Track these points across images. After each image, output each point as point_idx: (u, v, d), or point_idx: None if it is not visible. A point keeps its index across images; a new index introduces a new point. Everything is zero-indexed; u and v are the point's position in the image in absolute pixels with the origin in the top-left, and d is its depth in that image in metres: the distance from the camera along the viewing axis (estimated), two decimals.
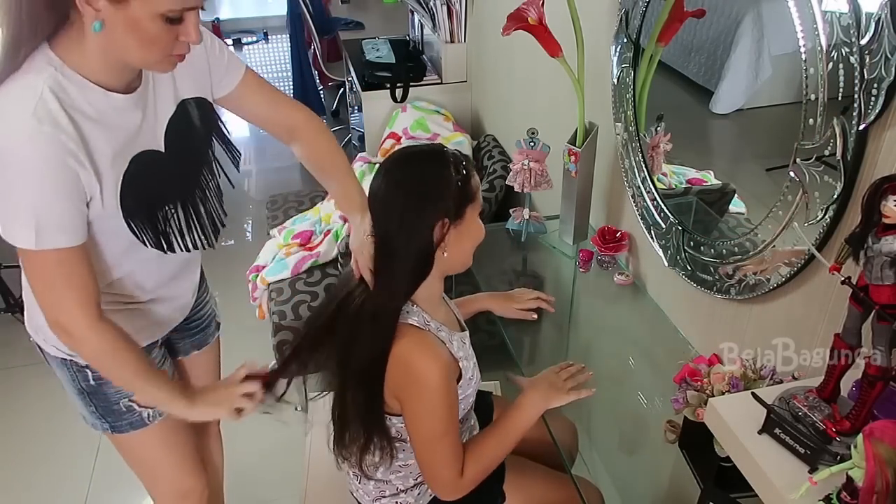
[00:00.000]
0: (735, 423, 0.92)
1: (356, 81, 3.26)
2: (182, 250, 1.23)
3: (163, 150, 1.16)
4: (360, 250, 1.23)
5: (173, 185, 1.20)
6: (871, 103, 0.93)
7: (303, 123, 1.36)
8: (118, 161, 1.08)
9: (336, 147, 1.39)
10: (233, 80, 1.27)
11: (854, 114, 0.96)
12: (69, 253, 1.04)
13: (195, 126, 1.21)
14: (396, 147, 2.85)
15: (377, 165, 2.77)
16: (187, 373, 1.53)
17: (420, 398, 1.16)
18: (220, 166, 1.31)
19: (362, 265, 1.21)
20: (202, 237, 1.27)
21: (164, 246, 1.20)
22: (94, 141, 1.03)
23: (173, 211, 1.20)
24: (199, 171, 1.25)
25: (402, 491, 1.34)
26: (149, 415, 1.34)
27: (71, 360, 1.26)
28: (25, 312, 1.30)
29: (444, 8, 2.93)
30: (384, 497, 1.36)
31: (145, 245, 1.16)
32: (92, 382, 1.28)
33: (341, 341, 1.22)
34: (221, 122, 1.28)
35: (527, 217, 1.88)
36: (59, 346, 1.25)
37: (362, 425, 1.23)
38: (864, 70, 0.93)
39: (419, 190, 1.12)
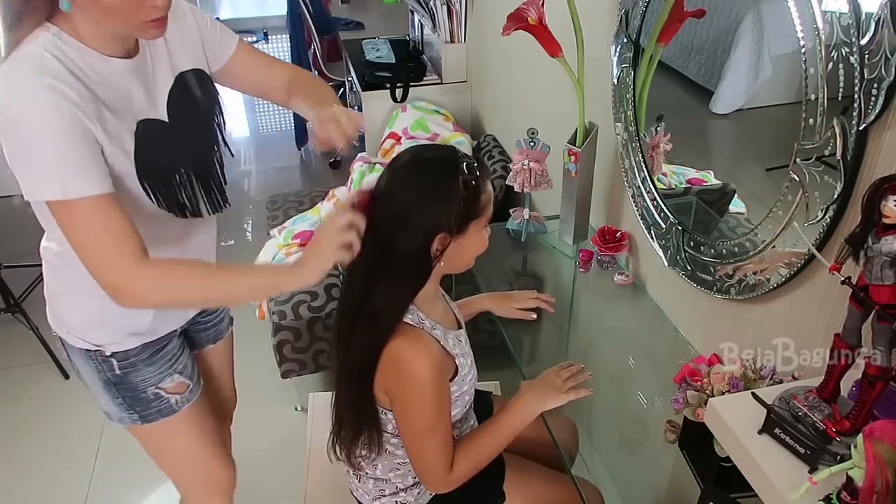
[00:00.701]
0: (735, 423, 0.92)
1: (356, 81, 3.26)
2: (193, 216, 1.25)
3: (166, 120, 1.17)
4: (321, 120, 1.17)
5: (182, 153, 1.21)
6: (871, 103, 0.93)
7: (294, 75, 1.38)
8: (125, 122, 1.09)
9: (322, 84, 1.40)
10: (226, 51, 1.30)
11: (854, 114, 0.96)
12: (98, 201, 1.02)
13: (197, 97, 1.23)
14: (396, 147, 2.86)
15: (376, 165, 2.79)
16: (201, 365, 1.54)
17: (410, 393, 1.17)
18: (223, 129, 1.32)
19: (337, 133, 1.15)
20: (209, 204, 1.29)
21: (179, 210, 1.21)
22: (98, 98, 1.05)
23: (186, 178, 1.21)
24: (207, 140, 1.27)
25: (402, 490, 1.34)
26: (176, 401, 1.35)
27: (96, 351, 1.27)
28: (47, 304, 1.30)
29: (444, 8, 2.93)
30: (384, 496, 1.36)
31: (159, 206, 1.16)
32: (118, 372, 1.29)
33: (341, 336, 1.22)
34: (219, 94, 1.30)
35: (527, 217, 1.88)
36: (83, 338, 1.26)
37: (353, 418, 1.25)
38: (864, 70, 0.93)
39: (424, 201, 1.11)
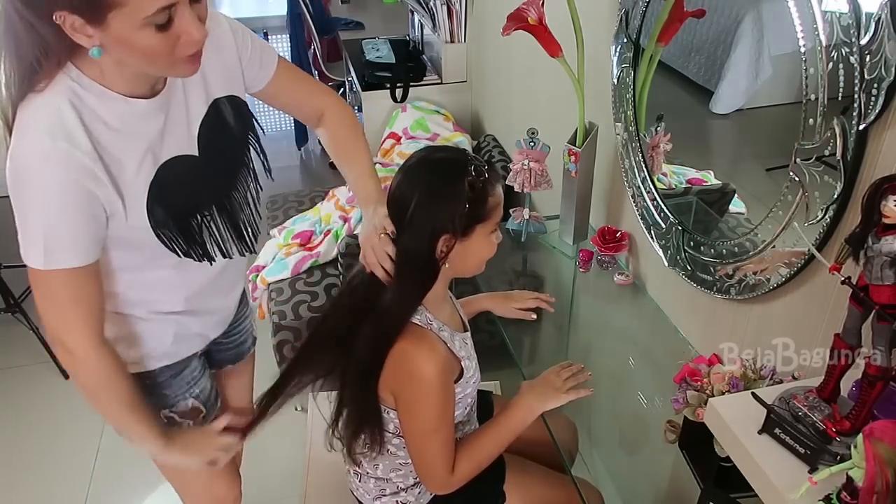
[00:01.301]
0: (735, 423, 0.92)
1: (356, 81, 3.26)
2: (218, 258, 1.20)
3: (197, 154, 1.11)
4: (368, 244, 1.16)
5: (208, 190, 1.15)
6: (871, 103, 0.93)
7: (330, 108, 1.34)
8: (143, 171, 1.04)
9: (358, 134, 1.36)
10: (266, 75, 1.24)
11: (854, 114, 0.96)
12: (77, 273, 1.01)
13: (230, 126, 1.17)
14: (396, 147, 2.87)
15: (376, 165, 2.79)
16: (220, 383, 1.50)
17: (416, 393, 1.16)
18: (263, 159, 1.26)
19: (371, 262, 1.16)
20: (239, 244, 1.23)
21: (199, 255, 1.16)
22: (116, 152, 1.00)
23: (209, 218, 1.16)
24: (237, 173, 1.20)
25: (403, 490, 1.34)
26: (189, 425, 1.32)
27: None
28: None
29: (444, 8, 2.93)
30: (384, 496, 1.36)
31: (178, 255, 1.13)
32: None
33: (345, 332, 1.21)
34: (257, 123, 1.24)
35: (527, 217, 1.87)
36: None
37: (356, 414, 1.25)
38: (864, 70, 0.92)
39: (429, 201, 1.11)
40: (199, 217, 1.14)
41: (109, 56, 0.94)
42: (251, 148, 1.23)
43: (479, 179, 1.12)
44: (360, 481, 1.38)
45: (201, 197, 1.15)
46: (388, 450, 1.30)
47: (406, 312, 1.17)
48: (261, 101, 1.30)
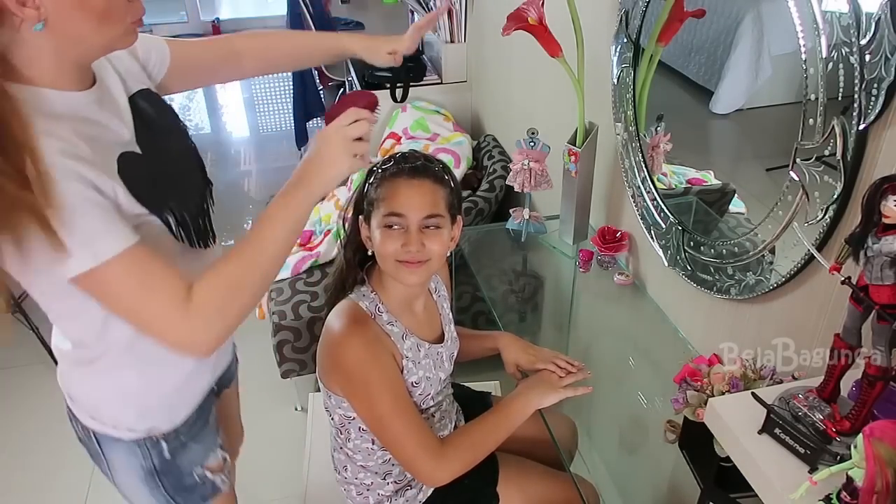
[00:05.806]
0: (735, 423, 0.92)
1: (356, 81, 3.26)
2: (211, 245, 1.14)
3: (140, 152, 0.99)
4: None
5: (172, 187, 1.04)
6: (871, 103, 0.93)
7: (238, 36, 1.30)
8: (107, 156, 0.92)
9: (284, 31, 1.33)
10: (165, 58, 1.16)
11: (854, 114, 0.96)
12: (131, 255, 0.89)
13: (154, 119, 1.06)
14: (396, 147, 2.87)
15: None
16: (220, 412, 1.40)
17: (351, 370, 1.18)
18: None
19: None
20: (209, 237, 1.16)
21: (203, 238, 1.09)
22: (69, 136, 0.87)
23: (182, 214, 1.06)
24: (190, 169, 1.13)
25: (385, 497, 1.34)
26: (222, 480, 1.25)
27: (145, 438, 1.14)
28: (82, 412, 1.19)
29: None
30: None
31: (183, 241, 1.04)
32: (167, 456, 1.16)
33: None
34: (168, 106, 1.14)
35: (527, 217, 1.88)
36: (131, 427, 1.13)
37: None
38: (864, 70, 0.93)
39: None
40: (175, 210, 1.04)
41: (52, 31, 0.84)
42: (181, 129, 1.14)
43: (382, 167, 1.21)
44: (346, 491, 1.39)
45: (168, 193, 1.03)
46: (346, 453, 1.32)
47: (348, 270, 1.28)
48: (200, 89, 1.28)
